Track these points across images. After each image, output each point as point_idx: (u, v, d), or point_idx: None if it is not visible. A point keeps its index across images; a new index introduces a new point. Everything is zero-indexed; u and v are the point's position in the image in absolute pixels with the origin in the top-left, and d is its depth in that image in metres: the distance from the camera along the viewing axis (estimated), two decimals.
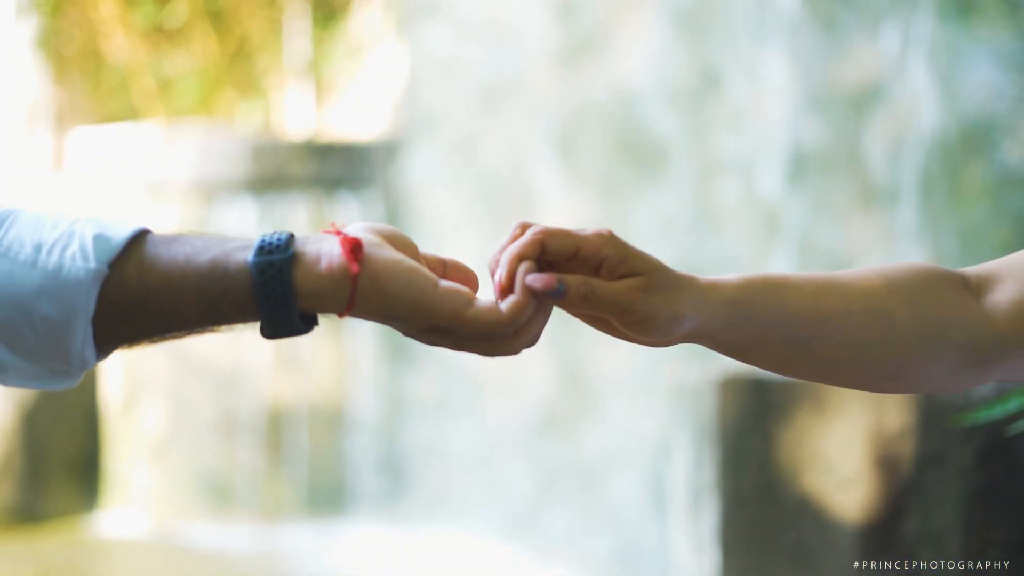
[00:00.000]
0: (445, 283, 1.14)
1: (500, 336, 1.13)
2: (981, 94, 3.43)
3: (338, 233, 1.13)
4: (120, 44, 6.99)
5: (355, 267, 1.11)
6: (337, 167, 6.02)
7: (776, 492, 2.76)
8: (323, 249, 1.12)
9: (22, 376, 1.14)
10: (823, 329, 1.21)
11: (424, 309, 1.12)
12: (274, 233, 1.12)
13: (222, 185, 5.98)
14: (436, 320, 1.12)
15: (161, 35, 7.05)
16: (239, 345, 5.72)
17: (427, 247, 1.20)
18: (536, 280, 1.13)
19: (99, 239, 1.11)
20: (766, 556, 2.78)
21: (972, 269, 1.28)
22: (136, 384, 5.97)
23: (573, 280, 1.14)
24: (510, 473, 5.36)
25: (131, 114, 6.90)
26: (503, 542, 5.29)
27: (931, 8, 3.52)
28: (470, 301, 1.13)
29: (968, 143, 3.47)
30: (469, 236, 5.50)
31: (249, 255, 1.11)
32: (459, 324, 1.12)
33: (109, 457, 6.03)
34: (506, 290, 1.15)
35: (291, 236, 1.12)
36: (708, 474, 2.87)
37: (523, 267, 1.14)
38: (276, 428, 5.89)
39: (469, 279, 1.19)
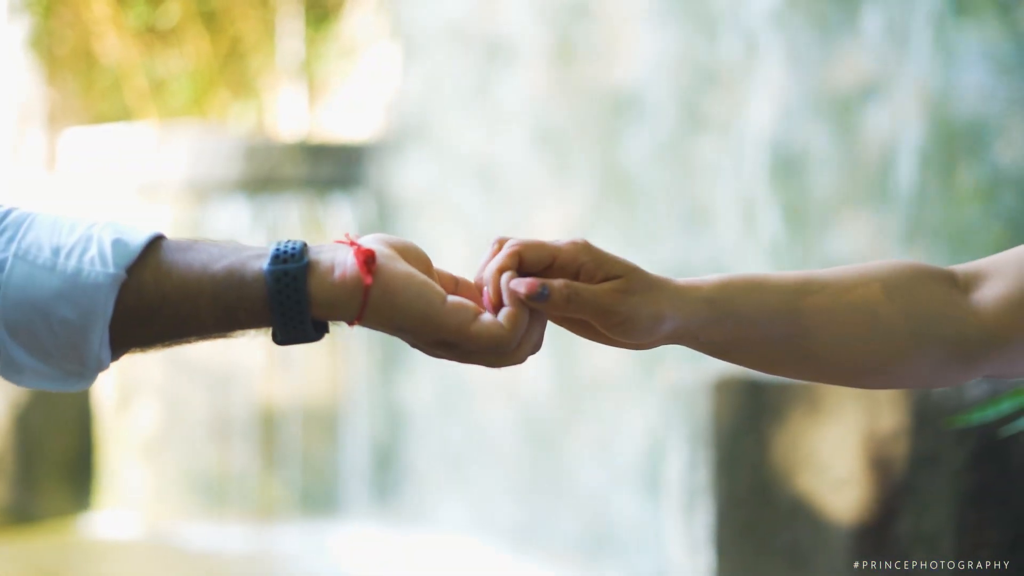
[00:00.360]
0: (453, 298, 1.16)
1: (505, 348, 1.16)
2: (973, 95, 3.44)
3: (352, 244, 1.15)
4: (113, 44, 6.99)
5: (368, 278, 1.13)
6: (330, 168, 6.02)
7: (770, 493, 2.77)
8: (337, 259, 1.14)
9: (37, 377, 1.15)
10: (804, 326, 1.22)
11: (432, 323, 1.15)
12: (288, 241, 1.14)
13: (215, 186, 5.98)
14: (443, 334, 1.15)
15: (154, 35, 7.04)
16: (232, 346, 5.72)
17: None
18: (520, 284, 1.16)
19: (117, 244, 1.13)
20: (760, 557, 2.79)
21: (960, 267, 1.28)
22: (129, 385, 5.97)
23: (556, 283, 1.16)
24: (503, 474, 5.37)
25: (124, 115, 6.90)
26: (496, 543, 5.29)
27: (923, 8, 3.53)
28: (475, 315, 1.16)
29: (960, 144, 3.48)
30: (462, 238, 5.50)
31: (264, 263, 1.13)
32: (464, 338, 1.15)
33: (102, 457, 6.02)
34: (496, 304, 1.17)
35: (305, 245, 1.14)
36: (702, 475, 2.87)
37: (505, 277, 1.17)
38: (269, 429, 5.89)
39: (477, 297, 1.21)
